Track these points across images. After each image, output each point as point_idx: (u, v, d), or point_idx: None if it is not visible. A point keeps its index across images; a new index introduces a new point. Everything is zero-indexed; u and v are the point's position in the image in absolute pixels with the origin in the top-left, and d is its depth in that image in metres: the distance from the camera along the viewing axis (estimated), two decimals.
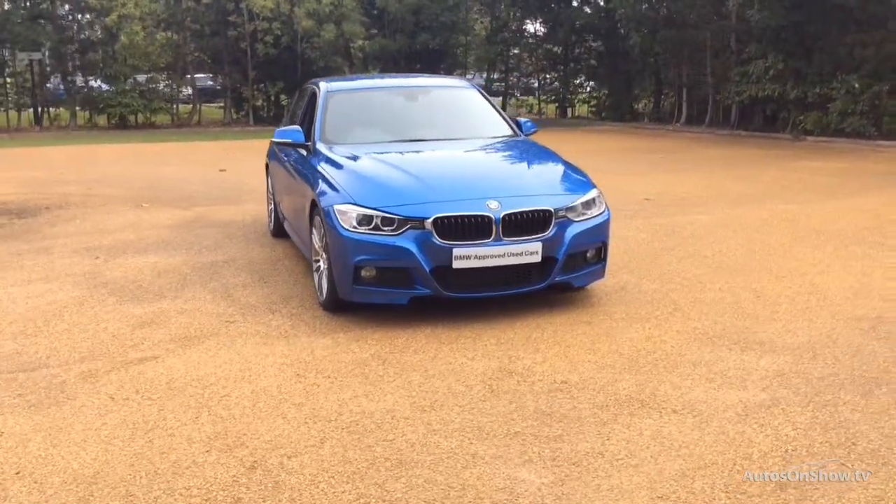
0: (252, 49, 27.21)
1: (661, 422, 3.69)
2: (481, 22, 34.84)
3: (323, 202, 5.34)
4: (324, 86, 6.92)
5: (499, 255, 5.03)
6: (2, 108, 27.00)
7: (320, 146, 6.16)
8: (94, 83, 27.70)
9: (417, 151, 6.11)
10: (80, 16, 26.08)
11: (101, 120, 27.36)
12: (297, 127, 6.52)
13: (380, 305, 5.24)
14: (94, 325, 5.34)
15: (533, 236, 5.11)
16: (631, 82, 27.81)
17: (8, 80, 27.20)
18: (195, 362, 4.60)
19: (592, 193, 5.54)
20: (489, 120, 6.76)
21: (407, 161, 5.81)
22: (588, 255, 5.48)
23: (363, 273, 5.10)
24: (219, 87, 31.01)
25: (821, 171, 13.05)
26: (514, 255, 5.06)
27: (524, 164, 5.86)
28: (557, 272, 5.25)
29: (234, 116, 29.38)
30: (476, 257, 5.00)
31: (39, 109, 27.33)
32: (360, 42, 28.58)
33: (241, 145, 20.53)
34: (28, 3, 26.66)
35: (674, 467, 3.27)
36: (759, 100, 20.40)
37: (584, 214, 5.41)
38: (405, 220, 5.01)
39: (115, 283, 6.47)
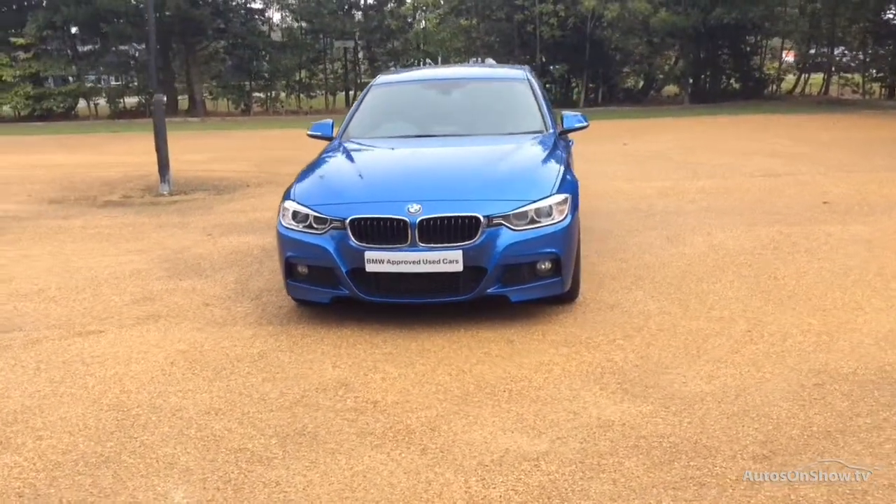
0: (539, 32, 27.54)
1: (369, 461, 3.38)
2: None
3: (284, 198, 5.51)
4: (376, 79, 7.02)
5: (413, 262, 4.82)
6: (321, 92, 30.37)
7: (337, 141, 6.31)
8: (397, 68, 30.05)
9: (397, 149, 6.00)
10: (385, 7, 28.31)
11: None
12: (329, 121, 6.70)
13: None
14: (110, 296, 6.06)
15: (453, 244, 4.80)
16: None
17: (329, 66, 30.51)
18: (123, 340, 5.06)
19: (550, 200, 5.02)
20: (523, 114, 6.37)
21: (369, 159, 5.75)
22: (539, 267, 5.00)
23: (298, 269, 5.19)
24: None
25: None
26: (430, 262, 4.81)
27: (490, 166, 5.43)
28: (489, 284, 4.89)
29: None
30: (389, 262, 4.84)
31: (351, 92, 30.29)
32: (654, 19, 27.49)
33: None
34: None
35: None
36: None
37: (536, 222, 4.95)
38: (330, 220, 5.01)
39: (187, 259, 7.21)
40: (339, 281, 4.99)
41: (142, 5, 27.95)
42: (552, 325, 5.06)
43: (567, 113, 6.49)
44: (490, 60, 29.54)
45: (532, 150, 5.71)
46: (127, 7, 27.25)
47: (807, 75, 32.06)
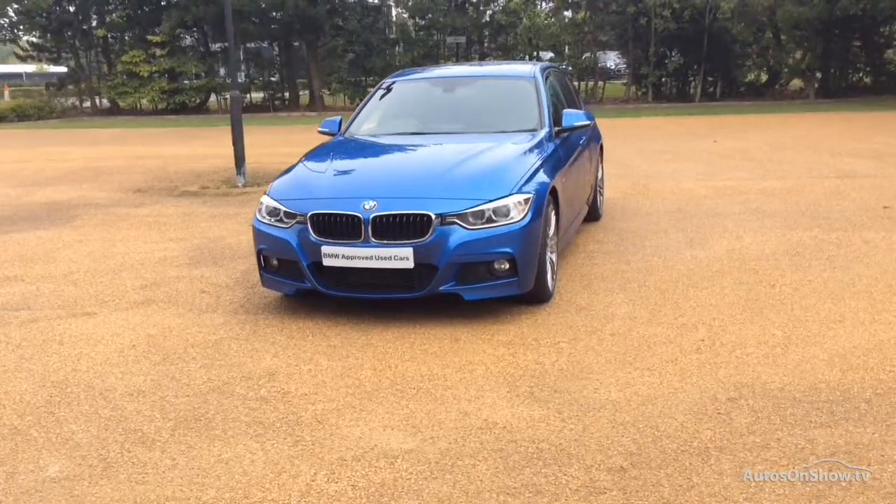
0: (654, 25, 26.83)
1: (241, 449, 3.50)
2: None
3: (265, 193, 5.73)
4: (389, 77, 7.15)
5: (366, 258, 4.92)
6: None
7: (338, 138, 6.48)
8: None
9: (380, 145, 6.14)
10: (493, 3, 28.36)
11: None
12: (338, 118, 6.86)
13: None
14: (125, 281, 6.47)
15: (404, 241, 4.87)
16: None
17: (442, 62, 30.83)
18: (106, 323, 5.41)
19: (509, 200, 4.99)
20: (520, 113, 6.31)
21: (345, 156, 5.87)
22: (496, 267, 4.99)
23: (271, 261, 5.40)
24: (624, 65, 31.19)
25: None
26: (382, 258, 4.90)
27: (456, 164, 5.39)
28: (441, 281, 4.92)
29: (637, 93, 29.32)
30: (343, 257, 4.96)
31: None
32: (780, 11, 26.21)
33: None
34: None
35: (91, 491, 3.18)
36: None
37: (493, 222, 4.94)
38: (296, 215, 5.18)
39: (215, 249, 7.57)
40: (303, 274, 5.14)
41: (264, 5, 29.20)
42: (507, 324, 5.02)
43: (567, 111, 6.38)
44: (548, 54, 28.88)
45: (506, 149, 5.66)
46: (251, 7, 28.48)
47: None
